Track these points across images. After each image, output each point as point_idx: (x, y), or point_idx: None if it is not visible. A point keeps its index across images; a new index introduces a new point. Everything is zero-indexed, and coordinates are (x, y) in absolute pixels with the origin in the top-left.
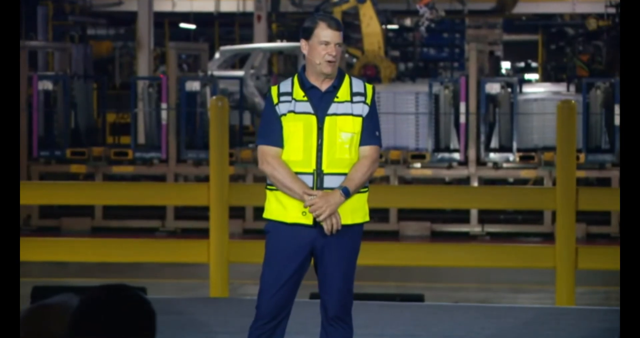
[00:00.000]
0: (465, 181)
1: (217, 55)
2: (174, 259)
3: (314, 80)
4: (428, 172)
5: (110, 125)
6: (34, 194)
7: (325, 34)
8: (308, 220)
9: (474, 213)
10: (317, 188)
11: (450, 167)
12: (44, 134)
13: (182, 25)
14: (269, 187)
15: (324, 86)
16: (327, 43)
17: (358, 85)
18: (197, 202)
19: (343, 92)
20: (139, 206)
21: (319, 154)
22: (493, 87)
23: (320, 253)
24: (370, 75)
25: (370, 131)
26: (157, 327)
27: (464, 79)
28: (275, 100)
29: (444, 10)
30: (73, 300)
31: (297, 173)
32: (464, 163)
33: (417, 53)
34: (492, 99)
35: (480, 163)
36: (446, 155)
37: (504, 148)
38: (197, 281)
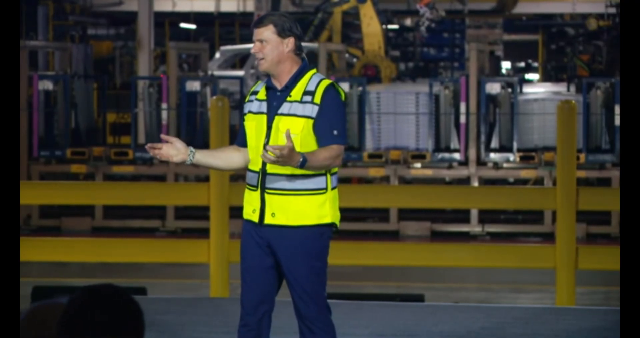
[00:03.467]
0: (466, 181)
1: (217, 55)
2: (174, 259)
3: (273, 80)
4: (428, 172)
5: (111, 125)
6: (34, 194)
7: (252, 33)
8: (255, 218)
9: (474, 213)
10: (261, 188)
11: (450, 167)
12: (44, 134)
13: (183, 25)
14: None
15: (280, 86)
16: (253, 42)
17: (312, 83)
18: (197, 202)
19: (296, 92)
20: (139, 206)
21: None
22: (493, 87)
23: (275, 254)
24: (371, 75)
25: (325, 131)
26: (145, 326)
27: (464, 79)
28: (246, 98)
29: (444, 10)
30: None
31: (250, 171)
32: (464, 163)
33: (418, 53)
34: (492, 99)
35: (481, 163)
36: (446, 155)
37: (504, 148)
38: (197, 281)
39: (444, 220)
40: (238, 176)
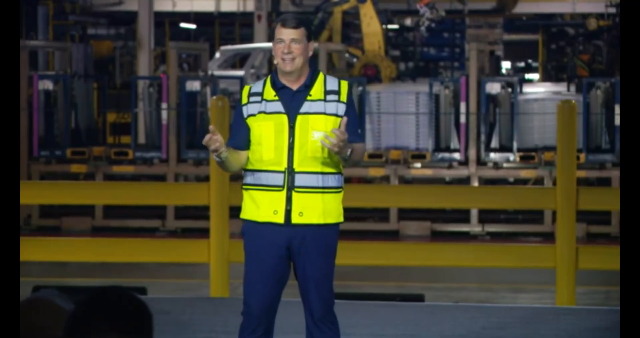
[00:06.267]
0: (466, 181)
1: (217, 55)
2: (174, 259)
3: (284, 80)
4: (428, 172)
5: (111, 125)
6: (34, 194)
7: (280, 32)
8: (279, 219)
9: (474, 213)
10: (288, 187)
11: (450, 167)
12: (44, 134)
13: (183, 25)
14: (242, 186)
15: (295, 86)
16: (281, 41)
17: (332, 83)
18: (197, 202)
19: (316, 91)
20: (139, 206)
21: (290, 153)
22: (493, 87)
23: (297, 254)
24: (371, 75)
25: (352, 130)
26: (154, 328)
27: (465, 79)
28: (244, 100)
29: (445, 10)
30: (58, 299)
31: (268, 171)
32: (464, 162)
33: (418, 53)
34: (492, 99)
35: (481, 162)
36: (446, 155)
37: (504, 148)
38: (197, 281)
39: (444, 220)
40: (238, 176)
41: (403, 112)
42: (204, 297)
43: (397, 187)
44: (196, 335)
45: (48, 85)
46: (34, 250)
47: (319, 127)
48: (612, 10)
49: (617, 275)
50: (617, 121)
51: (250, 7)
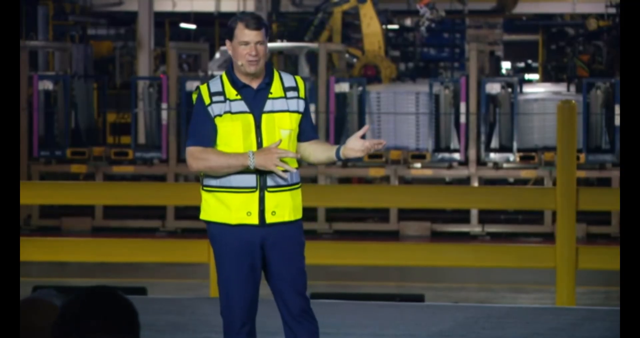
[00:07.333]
0: (466, 181)
1: (217, 55)
2: (174, 259)
3: (243, 79)
4: (428, 172)
5: (111, 125)
6: (34, 194)
7: (243, 34)
8: (253, 220)
9: (474, 213)
10: (261, 187)
11: (450, 167)
12: (44, 134)
13: (183, 25)
14: (205, 188)
15: (255, 84)
16: (246, 43)
17: (289, 80)
18: (197, 202)
19: (276, 88)
20: (139, 206)
21: None
22: (493, 87)
23: (270, 251)
24: (371, 75)
25: (311, 126)
26: (140, 327)
27: (465, 79)
28: (207, 100)
29: (444, 10)
30: (56, 299)
31: (239, 173)
32: (464, 163)
33: (418, 53)
34: (492, 99)
35: (481, 163)
36: (446, 155)
37: (504, 148)
38: (197, 281)
39: (444, 220)
40: None
41: (403, 113)
42: (204, 297)
43: (397, 187)
44: (196, 335)
45: (48, 85)
46: (34, 250)
47: (285, 125)
48: (612, 10)
49: (617, 275)
50: (617, 121)
51: (250, 7)
